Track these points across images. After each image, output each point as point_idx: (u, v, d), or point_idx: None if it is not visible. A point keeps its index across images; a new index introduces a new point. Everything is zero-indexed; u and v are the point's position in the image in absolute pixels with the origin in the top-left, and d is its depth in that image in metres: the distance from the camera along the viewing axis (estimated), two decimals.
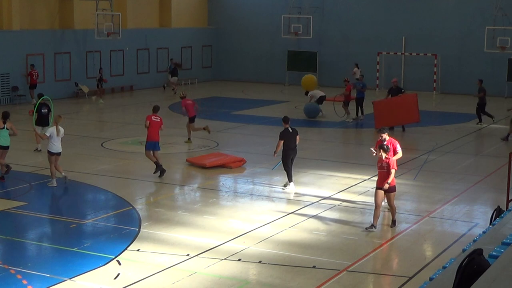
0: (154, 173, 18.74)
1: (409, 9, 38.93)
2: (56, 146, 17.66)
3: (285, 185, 17.84)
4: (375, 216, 14.34)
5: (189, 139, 23.74)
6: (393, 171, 14.31)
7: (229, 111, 31.49)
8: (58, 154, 17.81)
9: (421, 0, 38.68)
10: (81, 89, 34.97)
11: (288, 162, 17.79)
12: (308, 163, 20.96)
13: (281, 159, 17.99)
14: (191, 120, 23.69)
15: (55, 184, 17.70)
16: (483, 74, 37.35)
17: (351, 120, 28.88)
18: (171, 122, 28.84)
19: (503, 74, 36.82)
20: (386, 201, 14.93)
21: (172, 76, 37.79)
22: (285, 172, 17.84)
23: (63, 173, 17.80)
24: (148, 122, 18.79)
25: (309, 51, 41.16)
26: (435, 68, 38.15)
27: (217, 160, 20.24)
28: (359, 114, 29.42)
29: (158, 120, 18.86)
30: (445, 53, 38.13)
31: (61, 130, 17.83)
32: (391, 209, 14.78)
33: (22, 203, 16.17)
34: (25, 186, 17.90)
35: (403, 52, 39.12)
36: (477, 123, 28.31)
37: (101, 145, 23.29)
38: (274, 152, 17.96)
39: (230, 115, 30.60)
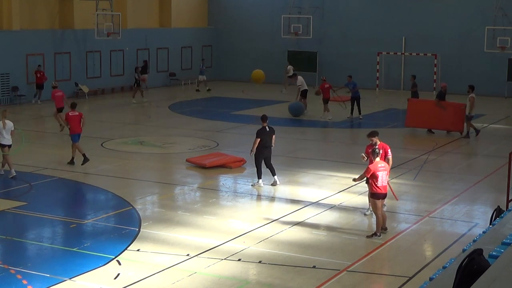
0: (82, 164, 19.76)
1: (409, 9, 38.93)
2: (6, 138, 18.73)
3: (253, 184, 18.00)
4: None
5: (61, 124, 24.57)
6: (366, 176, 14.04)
7: (229, 111, 31.49)
8: (9, 146, 18.81)
9: (421, 0, 38.68)
10: (81, 89, 34.96)
11: (260, 160, 17.89)
12: (308, 163, 20.97)
13: (253, 156, 17.98)
14: (59, 110, 25.20)
15: (2, 172, 18.81)
16: (483, 74, 37.40)
17: (331, 118, 28.99)
18: (171, 122, 28.86)
19: (503, 74, 36.80)
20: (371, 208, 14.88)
21: (142, 74, 37.86)
22: (256, 169, 17.95)
23: (12, 169, 18.63)
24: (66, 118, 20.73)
25: (309, 51, 41.16)
26: (435, 68, 38.15)
27: (217, 160, 20.24)
28: (357, 113, 29.53)
29: (77, 114, 20.50)
30: (445, 53, 38.13)
31: (9, 123, 18.84)
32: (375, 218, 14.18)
33: (22, 203, 16.16)
34: (25, 186, 17.91)
35: (403, 52, 39.12)
36: None
37: (101, 145, 23.28)
38: (251, 150, 17.97)
39: (230, 115, 30.59)
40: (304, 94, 30.82)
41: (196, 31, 43.08)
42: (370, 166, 13.92)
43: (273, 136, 18.08)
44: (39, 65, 33.06)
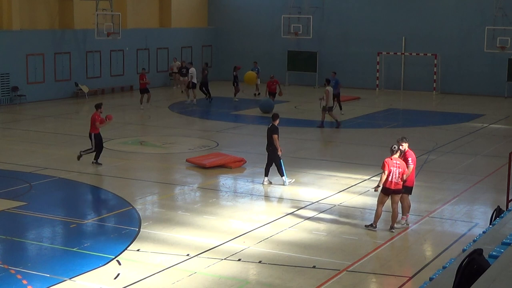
0: None
1: (409, 9, 38.93)
2: None
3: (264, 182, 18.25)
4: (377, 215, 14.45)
5: None
6: (385, 172, 14.10)
7: (229, 111, 31.50)
8: None
9: (421, 0, 38.68)
10: (81, 89, 34.97)
11: (267, 157, 18.14)
12: (308, 163, 20.96)
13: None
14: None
15: None
16: (483, 74, 37.42)
17: (194, 102, 32.62)
18: (171, 122, 28.86)
19: (503, 74, 36.81)
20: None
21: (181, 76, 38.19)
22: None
23: None
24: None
25: (309, 51, 41.16)
26: (435, 68, 38.15)
27: (217, 160, 20.23)
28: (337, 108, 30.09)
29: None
30: (445, 53, 38.13)
31: None
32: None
33: (22, 203, 16.15)
34: (25, 186, 17.90)
35: (403, 52, 39.11)
36: (207, 99, 33.42)
37: None
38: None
39: (230, 115, 30.61)
40: (193, 86, 33.27)
41: (196, 31, 43.08)
42: (386, 160, 14.10)
43: (274, 136, 17.93)
44: (143, 68, 33.67)
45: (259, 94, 35.99)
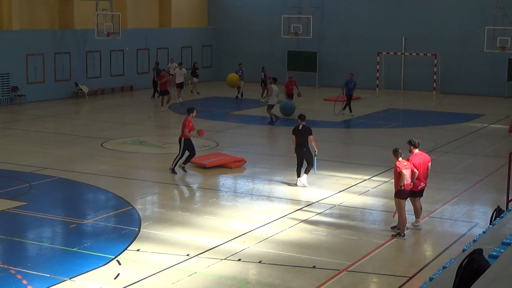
0: None
1: (409, 9, 38.93)
2: None
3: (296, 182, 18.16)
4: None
5: None
6: (403, 171, 13.80)
7: (229, 111, 31.49)
8: None
9: (421, 0, 38.68)
10: (81, 89, 34.97)
11: (298, 159, 18.03)
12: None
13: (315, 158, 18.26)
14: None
15: None
16: (483, 74, 37.41)
17: (179, 102, 33.17)
18: (171, 122, 28.84)
19: (503, 74, 36.81)
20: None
21: (193, 77, 37.99)
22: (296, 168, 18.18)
23: None
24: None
25: (309, 51, 41.16)
26: (435, 68, 38.15)
27: (217, 160, 20.22)
28: (343, 110, 29.96)
29: None
30: (445, 53, 38.13)
31: None
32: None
33: (22, 203, 16.15)
34: (25, 186, 17.90)
35: (403, 52, 39.11)
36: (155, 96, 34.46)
37: (101, 145, 23.28)
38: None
39: (230, 115, 30.60)
40: (180, 86, 34.02)
41: (196, 31, 43.08)
42: (398, 164, 13.85)
43: (310, 136, 17.91)
44: (163, 70, 33.92)
45: (241, 96, 35.77)
